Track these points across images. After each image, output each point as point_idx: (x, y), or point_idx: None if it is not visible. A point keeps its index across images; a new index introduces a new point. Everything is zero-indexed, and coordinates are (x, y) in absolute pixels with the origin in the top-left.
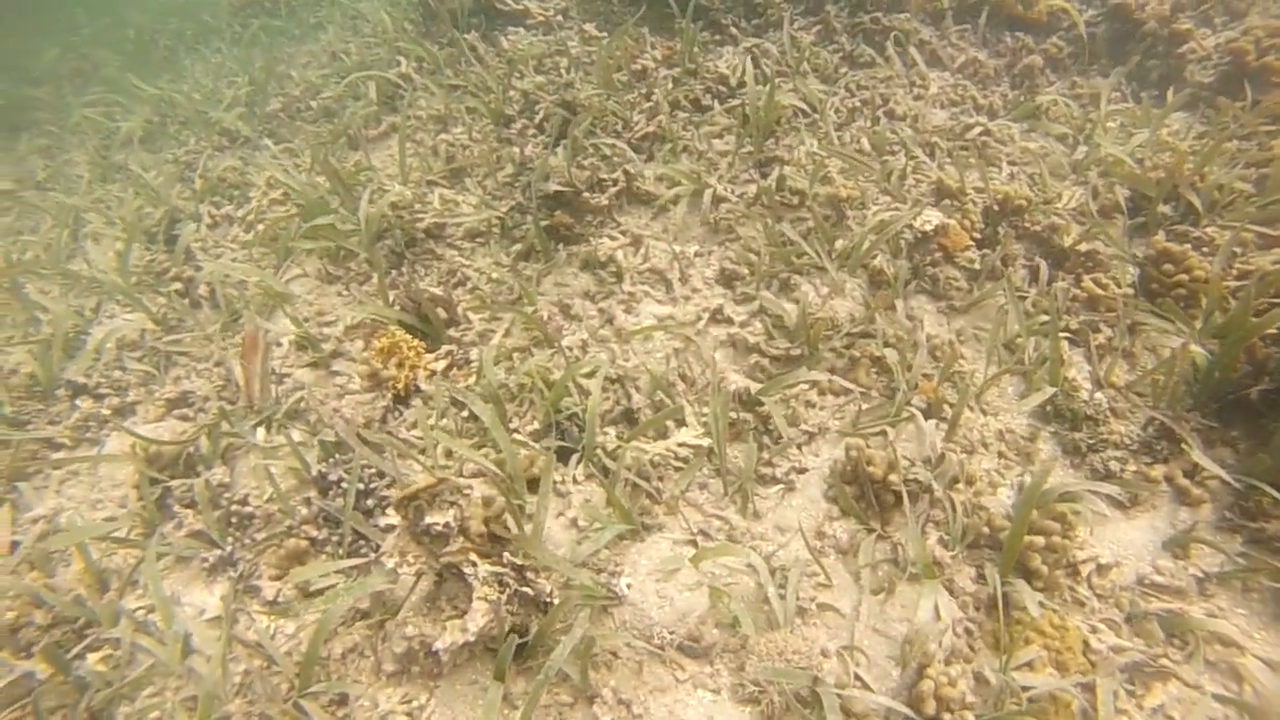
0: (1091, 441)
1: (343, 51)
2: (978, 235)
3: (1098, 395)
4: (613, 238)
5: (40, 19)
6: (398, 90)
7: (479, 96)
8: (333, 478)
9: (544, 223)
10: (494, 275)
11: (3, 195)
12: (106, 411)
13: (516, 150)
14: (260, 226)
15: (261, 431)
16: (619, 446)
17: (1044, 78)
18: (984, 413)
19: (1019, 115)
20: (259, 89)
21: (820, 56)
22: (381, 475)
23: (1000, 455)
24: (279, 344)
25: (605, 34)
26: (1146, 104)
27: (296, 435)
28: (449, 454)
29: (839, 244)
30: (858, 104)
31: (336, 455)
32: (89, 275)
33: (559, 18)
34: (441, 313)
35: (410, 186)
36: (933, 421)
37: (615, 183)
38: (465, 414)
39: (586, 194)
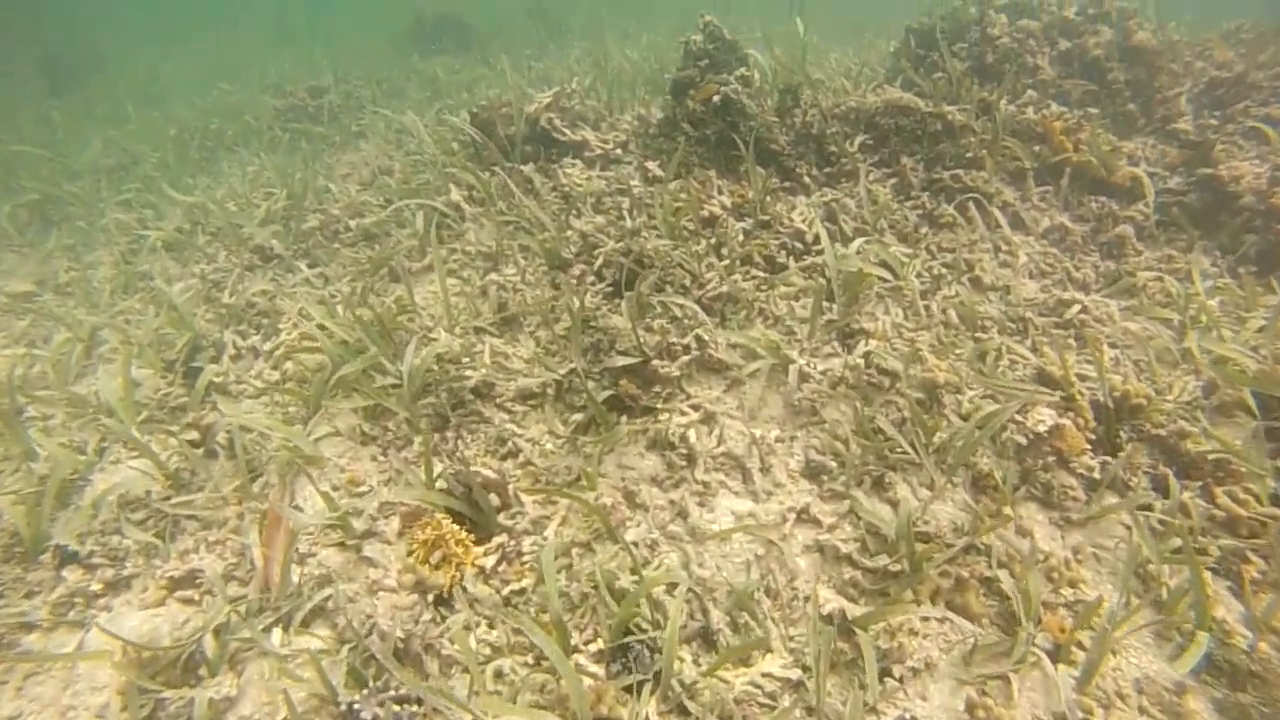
0: (1266, 710)
1: (385, 169)
2: (1092, 436)
3: (1261, 645)
4: (683, 413)
5: (93, 107)
6: (445, 220)
7: (533, 234)
8: (366, 716)
9: (607, 392)
10: (548, 447)
11: (21, 298)
12: (97, 586)
13: (575, 300)
14: (288, 364)
15: (279, 634)
16: (697, 682)
17: (1132, 248)
18: (1114, 652)
19: (1115, 291)
20: (296, 202)
21: (898, 213)
22: (420, 702)
23: (1143, 712)
24: (305, 527)
25: (662, 171)
26: (1249, 283)
27: (320, 641)
28: (499, 676)
29: (937, 437)
30: (941, 269)
31: (371, 684)
32: (96, 405)
33: (618, 150)
34: (494, 499)
35: (457, 335)
36: (1062, 669)
37: (687, 349)
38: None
39: (656, 362)
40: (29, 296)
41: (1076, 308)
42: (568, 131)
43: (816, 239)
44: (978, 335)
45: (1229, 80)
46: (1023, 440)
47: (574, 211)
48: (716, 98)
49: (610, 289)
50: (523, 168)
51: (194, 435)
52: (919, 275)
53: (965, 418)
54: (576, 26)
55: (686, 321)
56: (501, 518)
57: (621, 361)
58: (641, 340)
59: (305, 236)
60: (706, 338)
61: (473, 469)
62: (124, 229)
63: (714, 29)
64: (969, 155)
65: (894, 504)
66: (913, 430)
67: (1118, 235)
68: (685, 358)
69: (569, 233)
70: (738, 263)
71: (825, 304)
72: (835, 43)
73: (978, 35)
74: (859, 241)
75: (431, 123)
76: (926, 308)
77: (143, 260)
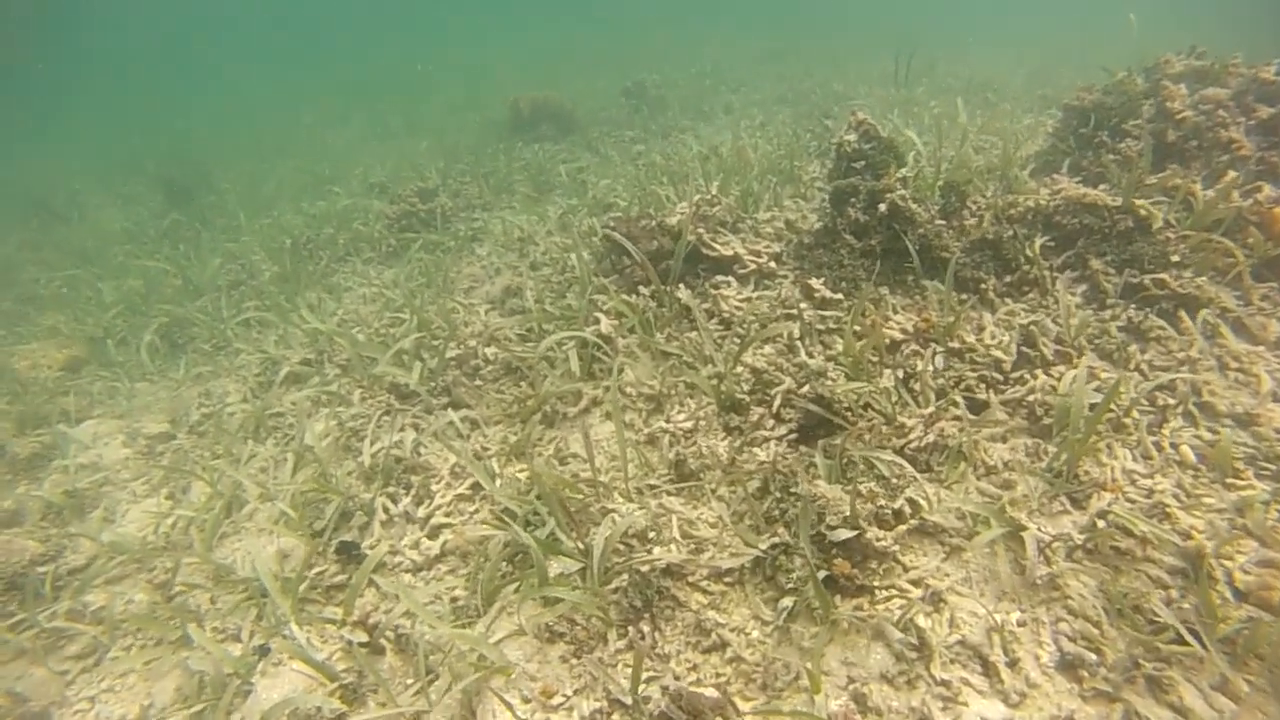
0: None
1: (514, 288)
2: None
3: None
4: (902, 591)
5: (210, 218)
6: (595, 354)
7: (697, 369)
8: None
9: (822, 572)
10: (754, 635)
11: (158, 439)
12: None
13: (760, 454)
14: (449, 535)
15: None
16: None
17: None
18: None
19: None
20: (425, 328)
21: (1098, 327)
22: None
23: None
24: None
25: (831, 289)
26: None
27: None
28: None
29: (1222, 616)
30: (1159, 393)
31: None
32: (246, 583)
33: (772, 264)
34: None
35: (635, 502)
36: None
37: (901, 516)
38: None
39: (871, 532)
40: (165, 438)
41: None
42: (717, 247)
43: (1015, 367)
44: (1230, 480)
45: None
46: None
47: (734, 338)
48: (883, 206)
49: (793, 435)
50: (677, 293)
51: (362, 636)
52: (1138, 403)
53: (1244, 592)
54: (676, 102)
55: (895, 481)
56: None
57: (843, 536)
58: (856, 510)
59: (443, 368)
60: (922, 501)
61: (693, 689)
62: (250, 358)
63: (869, 128)
64: (1170, 254)
65: (1182, 713)
66: (1187, 612)
67: None
68: (902, 527)
69: (739, 368)
70: (933, 400)
71: (1040, 445)
72: (953, 102)
73: (1153, 111)
74: (1071, 375)
75: (555, 228)
76: (1157, 445)
77: (273, 395)
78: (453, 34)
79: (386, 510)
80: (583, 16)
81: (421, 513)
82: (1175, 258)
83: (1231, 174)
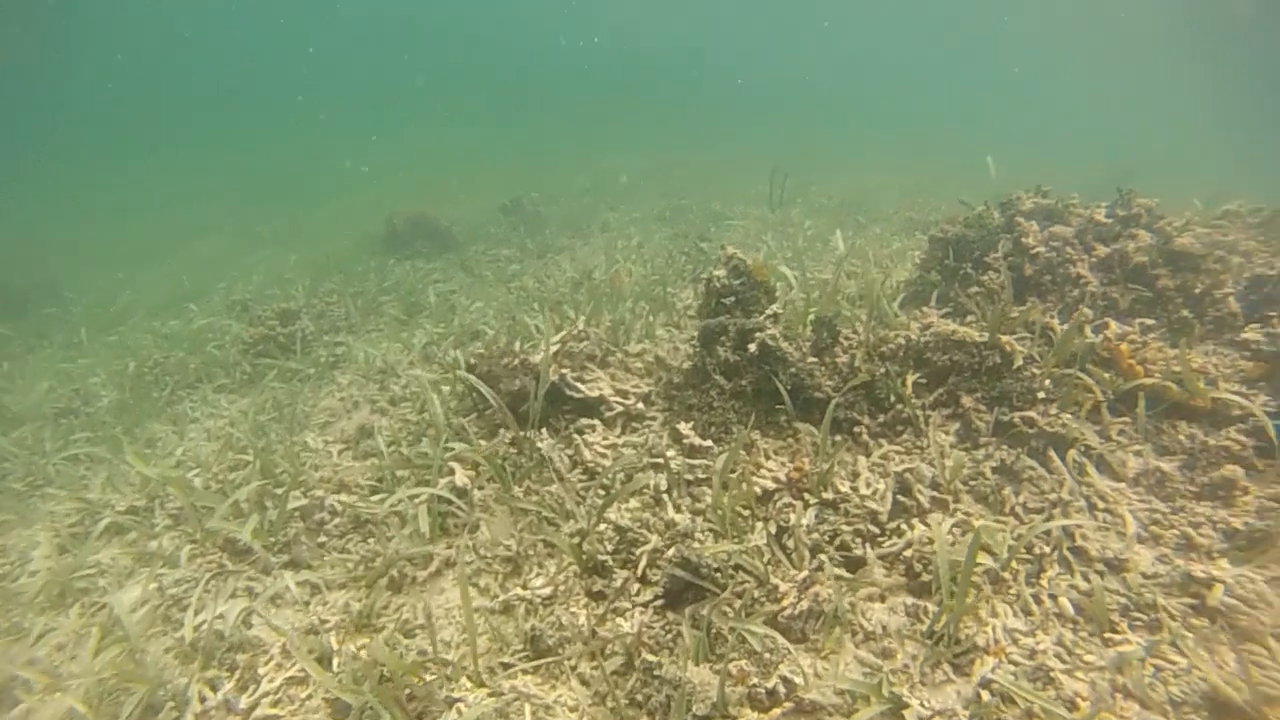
0: None
1: (369, 428)
2: None
3: None
4: None
5: (46, 332)
6: (449, 509)
7: (558, 525)
8: None
9: None
10: None
11: None
12: None
13: (624, 625)
14: None
15: None
16: None
17: (1240, 488)
18: None
19: (1249, 560)
20: (269, 474)
21: (973, 468)
22: None
23: None
24: None
25: (701, 435)
26: None
27: None
28: None
29: None
30: (1036, 540)
31: None
32: None
33: (640, 405)
34: None
35: (486, 685)
36: None
37: (776, 697)
38: None
39: (744, 719)
40: None
41: (1219, 590)
42: (583, 388)
43: (891, 516)
44: (1108, 635)
45: (1275, 278)
46: None
47: (599, 492)
48: (753, 346)
49: (660, 600)
50: (538, 441)
51: None
52: (1017, 552)
53: None
54: (555, 220)
55: (768, 656)
56: None
57: None
58: (725, 695)
59: (284, 522)
60: (797, 679)
61: None
62: (63, 506)
63: (738, 263)
64: (1036, 389)
65: None
66: None
67: (1223, 477)
68: (777, 710)
69: (603, 525)
70: (808, 557)
71: (919, 605)
72: (826, 223)
73: (1010, 245)
74: (948, 522)
75: (417, 359)
76: (1036, 598)
77: (89, 548)
78: (356, 137)
79: (202, 699)
80: (490, 124)
81: (244, 702)
82: (1041, 394)
83: (1084, 309)
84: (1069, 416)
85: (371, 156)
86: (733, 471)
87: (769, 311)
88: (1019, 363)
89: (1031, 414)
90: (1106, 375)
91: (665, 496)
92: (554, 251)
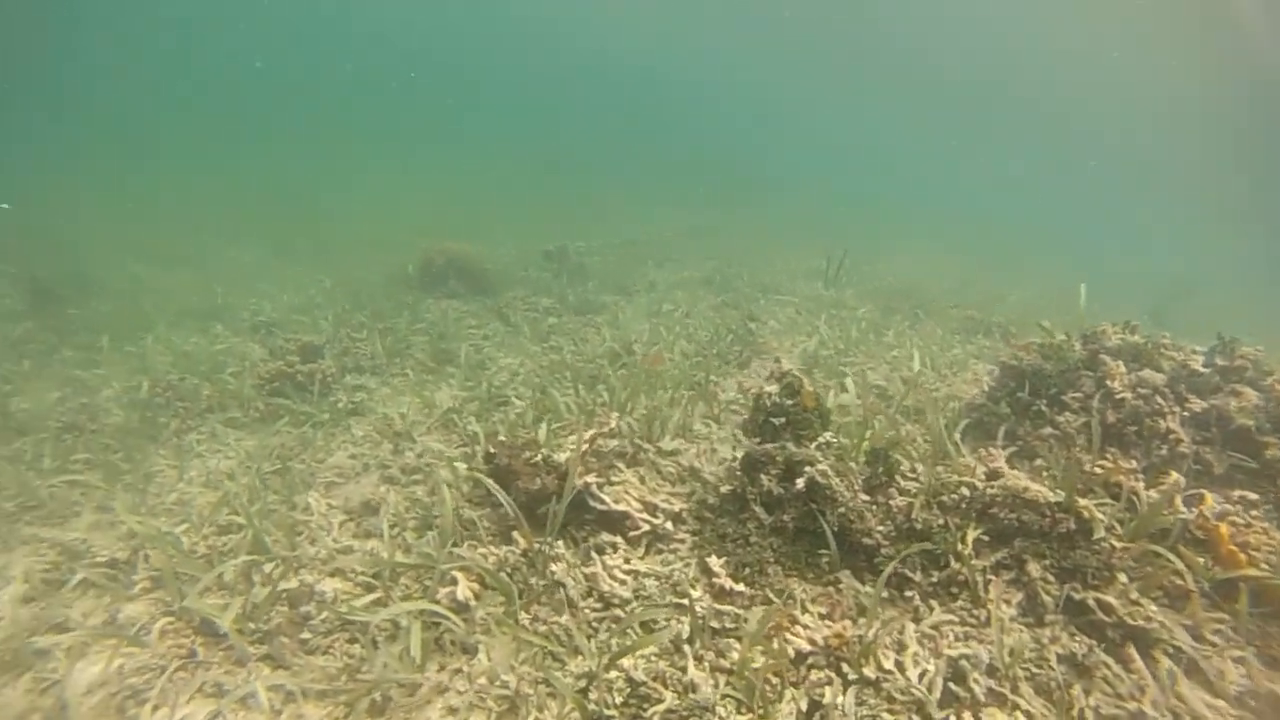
0: None
1: (374, 503)
2: None
3: None
4: None
5: (70, 330)
6: (446, 621)
7: (564, 663)
8: None
9: None
10: None
11: None
12: None
13: None
14: None
15: None
16: None
17: None
18: None
19: None
20: (260, 549)
21: (1036, 654)
22: None
23: None
24: None
25: (733, 576)
26: None
27: None
28: None
29: None
30: None
31: None
32: None
33: (668, 524)
34: None
35: None
36: None
37: None
38: None
39: None
40: None
41: None
42: (607, 499)
43: (940, 704)
44: None
45: None
46: None
47: (610, 627)
48: (800, 481)
49: None
50: (553, 564)
51: None
52: None
53: None
54: (598, 273)
55: None
56: None
57: None
58: None
59: (270, 606)
60: None
61: None
62: (47, 548)
63: (793, 380)
64: (1115, 567)
65: None
66: None
67: None
68: None
69: (613, 673)
70: None
71: None
72: (879, 309)
73: (1092, 385)
74: None
75: (436, 425)
76: None
77: (58, 601)
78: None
79: None
80: (534, 160)
81: None
82: (1122, 576)
83: (1175, 476)
84: (1155, 608)
85: (407, 185)
86: (764, 630)
87: (820, 440)
88: (1100, 533)
89: (1109, 598)
90: (1200, 560)
91: (686, 647)
92: (594, 310)
